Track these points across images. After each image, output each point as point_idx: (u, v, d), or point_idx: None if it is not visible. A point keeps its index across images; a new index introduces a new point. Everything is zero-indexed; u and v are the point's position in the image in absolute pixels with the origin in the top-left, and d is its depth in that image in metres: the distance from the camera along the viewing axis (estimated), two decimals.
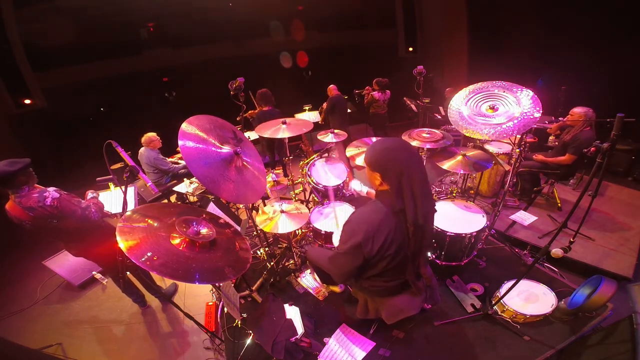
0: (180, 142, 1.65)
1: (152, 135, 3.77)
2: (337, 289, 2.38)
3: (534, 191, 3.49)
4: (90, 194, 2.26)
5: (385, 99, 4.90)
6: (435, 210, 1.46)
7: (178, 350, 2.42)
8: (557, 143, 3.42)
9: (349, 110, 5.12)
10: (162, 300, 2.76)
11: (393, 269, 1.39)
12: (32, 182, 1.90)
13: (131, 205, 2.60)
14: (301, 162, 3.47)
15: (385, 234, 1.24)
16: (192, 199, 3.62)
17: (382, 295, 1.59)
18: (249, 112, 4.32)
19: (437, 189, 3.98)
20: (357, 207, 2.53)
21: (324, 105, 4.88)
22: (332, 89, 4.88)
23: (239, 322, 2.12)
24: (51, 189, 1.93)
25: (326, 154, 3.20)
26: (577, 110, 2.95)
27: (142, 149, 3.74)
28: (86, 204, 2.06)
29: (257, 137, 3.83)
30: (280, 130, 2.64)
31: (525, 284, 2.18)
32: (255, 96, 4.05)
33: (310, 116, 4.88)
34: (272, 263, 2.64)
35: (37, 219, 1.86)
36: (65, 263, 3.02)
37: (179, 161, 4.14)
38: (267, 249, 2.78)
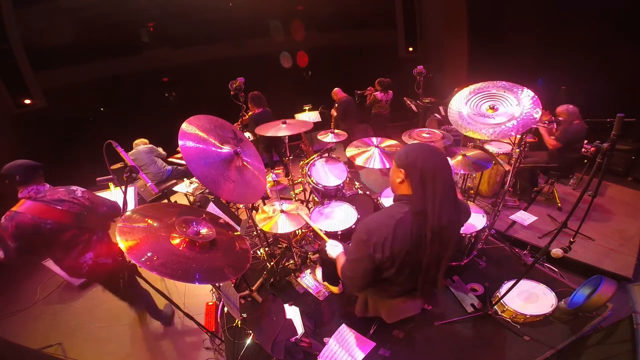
0: (180, 142, 1.65)
1: (146, 140, 3.97)
2: (336, 289, 2.38)
3: (533, 191, 3.49)
4: None
5: (388, 99, 4.84)
6: (463, 221, 1.42)
7: (178, 350, 2.42)
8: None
9: None
10: (163, 322, 2.64)
11: (404, 276, 1.34)
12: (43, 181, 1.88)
13: (131, 205, 2.60)
14: (301, 162, 3.47)
15: (400, 238, 1.20)
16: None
17: (382, 295, 1.58)
18: (243, 118, 4.28)
19: None
20: (358, 208, 2.56)
21: (334, 112, 4.75)
22: (337, 92, 4.72)
23: (239, 322, 2.12)
24: (73, 186, 1.94)
25: (326, 154, 3.20)
26: (560, 108, 3.15)
27: (133, 151, 3.81)
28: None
29: (253, 138, 3.83)
30: (280, 129, 2.64)
31: (525, 284, 2.18)
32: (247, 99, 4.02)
33: (310, 116, 4.86)
34: (272, 263, 2.64)
35: (66, 213, 1.79)
36: None
37: (175, 160, 4.22)
38: (267, 249, 2.78)
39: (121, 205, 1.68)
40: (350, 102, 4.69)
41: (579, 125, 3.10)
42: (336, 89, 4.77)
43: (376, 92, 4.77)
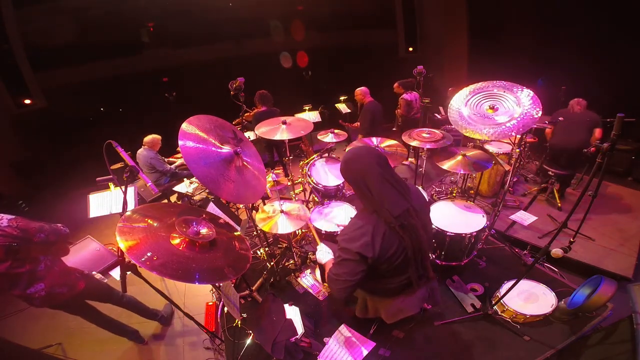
0: (180, 142, 1.65)
1: (157, 137, 3.80)
2: None
3: (537, 190, 3.55)
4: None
5: (416, 99, 4.50)
6: (425, 204, 1.46)
7: (178, 350, 2.42)
8: None
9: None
10: (163, 322, 2.64)
11: (395, 269, 1.37)
12: None
13: (131, 205, 2.59)
14: (301, 162, 3.47)
15: (381, 234, 1.25)
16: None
17: (381, 295, 1.58)
18: (245, 115, 4.22)
19: (437, 189, 3.98)
20: (358, 208, 2.56)
21: (357, 124, 4.35)
22: (363, 93, 4.12)
23: (239, 322, 2.12)
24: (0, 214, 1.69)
25: (326, 154, 3.20)
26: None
27: (140, 150, 3.73)
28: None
29: (255, 137, 3.82)
30: (280, 130, 2.64)
31: (525, 284, 2.18)
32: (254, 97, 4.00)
33: (311, 116, 4.86)
34: (272, 263, 2.64)
35: None
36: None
37: (174, 160, 4.17)
38: (267, 249, 2.78)
39: (121, 205, 1.66)
40: (379, 109, 4.13)
41: (572, 112, 3.38)
42: (363, 88, 4.18)
43: (404, 96, 4.45)
